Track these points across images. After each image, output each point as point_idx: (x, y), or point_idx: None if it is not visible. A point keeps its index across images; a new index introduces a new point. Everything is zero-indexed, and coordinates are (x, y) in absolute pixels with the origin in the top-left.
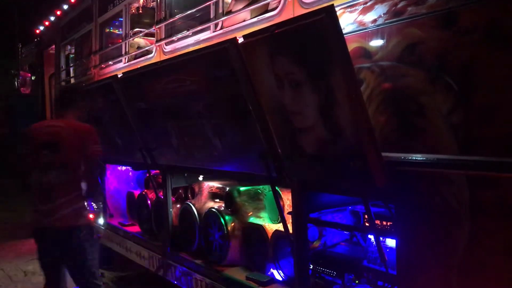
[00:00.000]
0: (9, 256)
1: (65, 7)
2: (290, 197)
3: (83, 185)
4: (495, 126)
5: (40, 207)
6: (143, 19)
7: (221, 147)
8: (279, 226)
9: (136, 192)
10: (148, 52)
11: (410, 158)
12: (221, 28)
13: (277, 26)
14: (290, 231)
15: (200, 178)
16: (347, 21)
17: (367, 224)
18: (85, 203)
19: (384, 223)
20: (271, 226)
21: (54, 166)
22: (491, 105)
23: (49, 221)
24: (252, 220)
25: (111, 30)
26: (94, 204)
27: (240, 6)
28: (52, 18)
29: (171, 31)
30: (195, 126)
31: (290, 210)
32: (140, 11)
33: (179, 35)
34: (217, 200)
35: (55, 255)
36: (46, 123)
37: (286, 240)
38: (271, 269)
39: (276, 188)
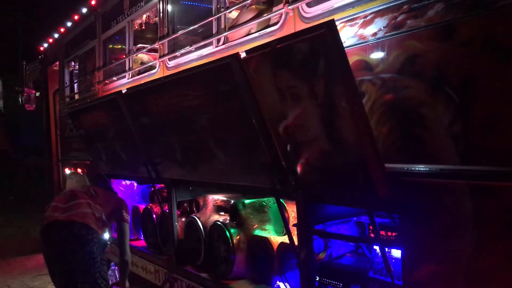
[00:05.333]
0: (15, 272)
1: (69, 24)
2: (295, 209)
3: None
4: (496, 136)
5: (59, 204)
6: (146, 35)
7: (225, 160)
8: (285, 239)
9: (141, 206)
10: (152, 67)
11: (412, 168)
12: (224, 43)
13: (279, 41)
14: (296, 243)
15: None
16: (348, 35)
17: (372, 235)
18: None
19: (389, 233)
20: (277, 239)
21: None
22: (491, 115)
23: (67, 216)
24: (258, 232)
25: (115, 46)
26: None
27: (247, 17)
28: (56, 35)
29: (174, 47)
30: (199, 140)
31: (295, 222)
32: (143, 27)
33: (182, 51)
34: (222, 213)
35: (67, 248)
36: None
37: (291, 252)
38: (277, 282)
39: (281, 200)
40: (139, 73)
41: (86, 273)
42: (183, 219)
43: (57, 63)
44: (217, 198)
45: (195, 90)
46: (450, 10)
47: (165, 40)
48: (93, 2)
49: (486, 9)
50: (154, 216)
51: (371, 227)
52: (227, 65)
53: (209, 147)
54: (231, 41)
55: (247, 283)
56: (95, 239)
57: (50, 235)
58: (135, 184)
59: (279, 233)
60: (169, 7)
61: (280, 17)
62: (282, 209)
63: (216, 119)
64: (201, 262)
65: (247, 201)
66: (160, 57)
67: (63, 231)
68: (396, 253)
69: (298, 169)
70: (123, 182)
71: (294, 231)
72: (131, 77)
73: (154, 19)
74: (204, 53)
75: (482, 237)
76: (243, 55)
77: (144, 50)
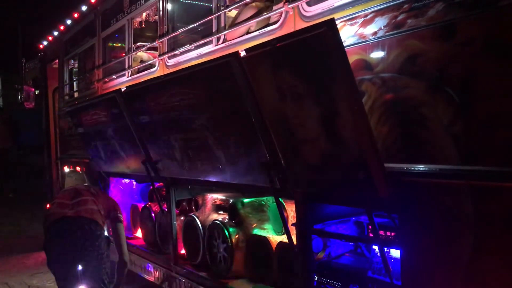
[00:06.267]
0: (13, 270)
1: (69, 22)
2: (294, 209)
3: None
4: (496, 136)
5: (65, 201)
6: (145, 33)
7: (224, 159)
8: (284, 238)
9: (140, 205)
10: (151, 66)
11: (412, 168)
12: (223, 42)
13: (279, 40)
14: (295, 242)
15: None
16: (348, 34)
17: (371, 235)
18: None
19: (388, 233)
20: (275, 238)
21: None
22: (492, 115)
23: (75, 211)
24: (256, 231)
25: (114, 45)
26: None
27: (247, 15)
28: (56, 33)
29: (173, 45)
30: (199, 138)
31: (294, 221)
32: (143, 26)
33: (182, 49)
34: (221, 212)
35: (77, 243)
36: None
37: (290, 251)
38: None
39: (280, 199)
40: (139, 71)
41: (94, 269)
42: (182, 218)
43: (57, 61)
44: (216, 197)
45: (195, 88)
46: (451, 10)
47: (165, 39)
48: (93, 0)
49: (487, 9)
50: (153, 214)
51: (370, 227)
52: (226, 63)
53: (209, 145)
54: (230, 40)
55: (246, 282)
56: (102, 235)
57: (59, 230)
58: (134, 182)
59: (278, 233)
60: (169, 6)
61: (280, 15)
62: (281, 209)
63: (216, 117)
64: (199, 261)
65: (246, 200)
66: (160, 55)
67: (73, 226)
68: (395, 253)
69: (298, 168)
70: (122, 181)
71: (293, 230)
72: (131, 75)
73: (154, 17)
74: (204, 52)
75: (481, 237)
76: (242, 53)
77: (143, 48)
